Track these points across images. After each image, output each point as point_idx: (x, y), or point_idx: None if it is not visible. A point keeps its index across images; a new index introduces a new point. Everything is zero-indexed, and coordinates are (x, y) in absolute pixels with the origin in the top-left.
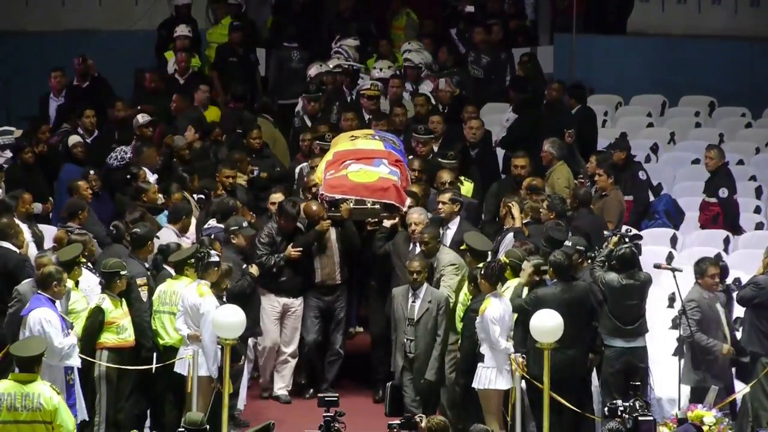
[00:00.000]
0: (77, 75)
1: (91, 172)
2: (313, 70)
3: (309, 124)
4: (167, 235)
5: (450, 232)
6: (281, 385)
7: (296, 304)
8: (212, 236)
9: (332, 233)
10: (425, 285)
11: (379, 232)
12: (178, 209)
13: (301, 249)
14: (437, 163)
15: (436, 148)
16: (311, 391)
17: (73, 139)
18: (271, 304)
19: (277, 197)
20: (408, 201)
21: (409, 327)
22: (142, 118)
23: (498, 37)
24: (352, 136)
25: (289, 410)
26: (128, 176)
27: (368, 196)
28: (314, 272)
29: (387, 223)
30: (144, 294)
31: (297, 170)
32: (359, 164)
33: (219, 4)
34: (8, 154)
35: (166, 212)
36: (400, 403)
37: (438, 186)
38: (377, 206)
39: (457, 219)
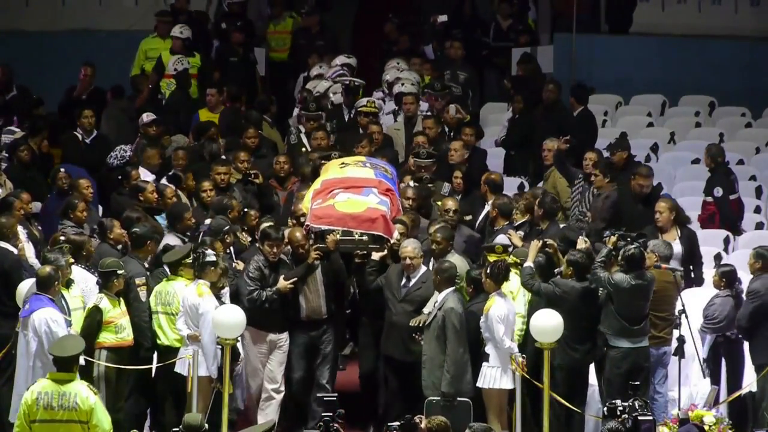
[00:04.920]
0: None
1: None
2: (312, 84)
3: (305, 141)
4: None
5: None
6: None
7: (283, 339)
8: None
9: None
10: (444, 291)
11: (369, 266)
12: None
13: (294, 282)
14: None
15: (459, 173)
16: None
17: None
18: (256, 343)
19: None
20: (396, 233)
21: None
22: (146, 117)
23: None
24: (342, 164)
25: None
26: (119, 176)
27: (355, 227)
28: (299, 307)
29: (376, 256)
30: (143, 294)
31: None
32: (347, 193)
33: (163, 17)
34: (4, 154)
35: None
36: None
37: (441, 213)
38: (365, 238)
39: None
